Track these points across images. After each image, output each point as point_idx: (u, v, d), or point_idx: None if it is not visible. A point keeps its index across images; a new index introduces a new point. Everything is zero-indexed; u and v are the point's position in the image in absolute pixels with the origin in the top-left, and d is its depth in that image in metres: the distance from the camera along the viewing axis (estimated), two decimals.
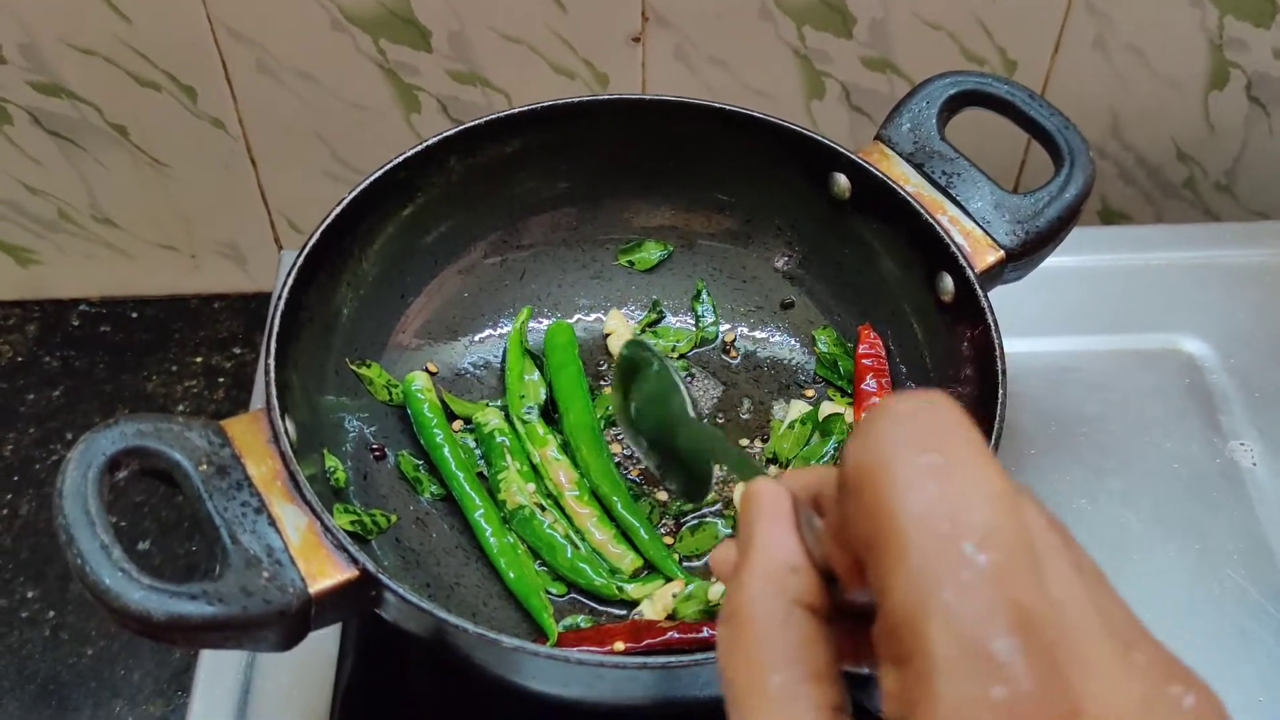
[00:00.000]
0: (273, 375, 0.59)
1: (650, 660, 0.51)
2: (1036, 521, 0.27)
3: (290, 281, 0.62)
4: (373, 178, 0.67)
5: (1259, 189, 1.02)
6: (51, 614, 0.87)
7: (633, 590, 0.66)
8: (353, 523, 0.65)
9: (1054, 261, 0.71)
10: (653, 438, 0.62)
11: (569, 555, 0.67)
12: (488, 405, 0.73)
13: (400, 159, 0.67)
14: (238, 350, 1.01)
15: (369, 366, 0.71)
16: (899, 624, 0.25)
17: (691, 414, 0.56)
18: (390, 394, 0.71)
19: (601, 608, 0.67)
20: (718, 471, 0.68)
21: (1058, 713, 0.23)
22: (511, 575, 0.66)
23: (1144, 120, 0.96)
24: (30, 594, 0.88)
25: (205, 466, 0.54)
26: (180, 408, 0.98)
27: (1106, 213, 1.04)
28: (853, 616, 0.30)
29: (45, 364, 1.00)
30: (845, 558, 0.28)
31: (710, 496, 0.69)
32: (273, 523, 0.53)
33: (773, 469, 0.72)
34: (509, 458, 0.70)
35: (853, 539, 0.27)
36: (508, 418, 0.72)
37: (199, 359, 1.01)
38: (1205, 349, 0.84)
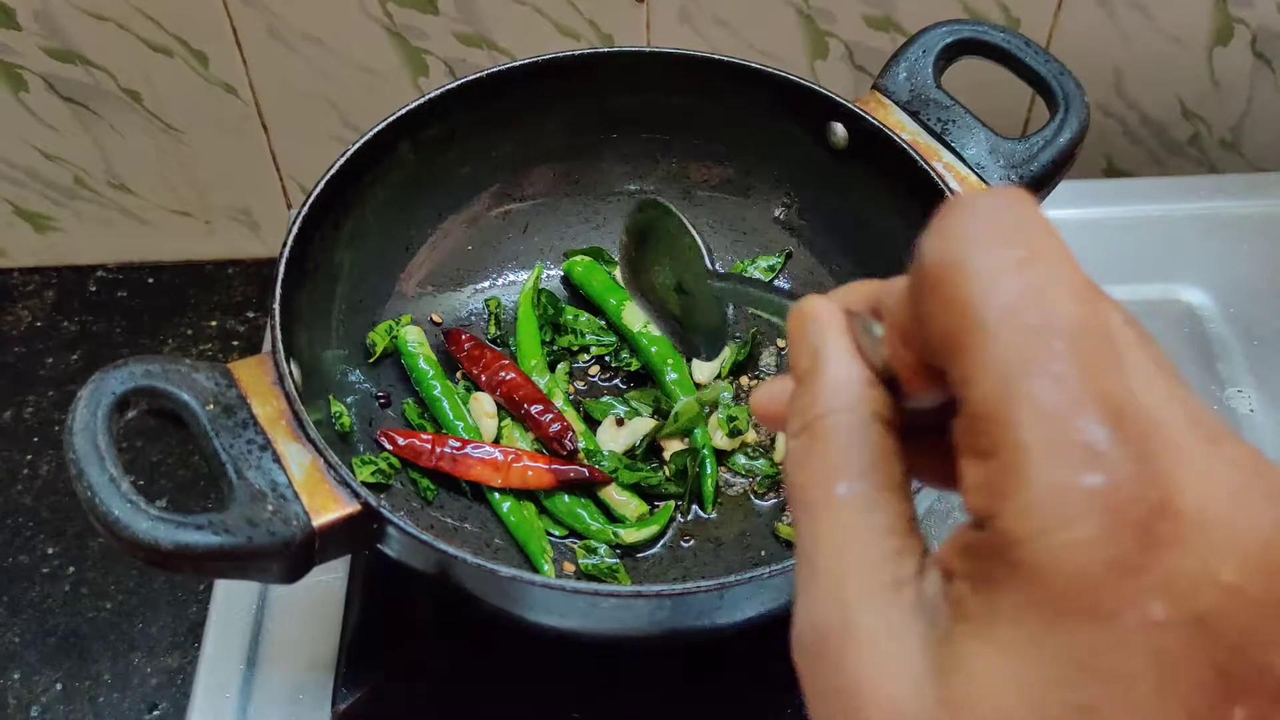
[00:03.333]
0: (278, 319, 0.60)
1: (644, 589, 0.52)
2: (1115, 318, 0.27)
3: (295, 231, 0.63)
4: (376, 130, 0.67)
5: (1265, 145, 1.01)
6: (71, 570, 0.89)
7: (626, 535, 0.67)
8: (374, 473, 0.66)
9: (1055, 213, 0.71)
10: (669, 296, 0.58)
11: (566, 500, 0.68)
12: None
13: (403, 111, 0.68)
14: (251, 314, 1.03)
15: (374, 330, 0.72)
16: (985, 415, 0.24)
17: (711, 265, 0.53)
18: (391, 340, 0.72)
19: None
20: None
21: (1149, 501, 0.23)
22: (513, 520, 0.67)
23: (1148, 77, 0.96)
24: (50, 550, 0.90)
25: (212, 406, 0.55)
26: None
27: (1111, 171, 1.03)
28: (913, 430, 0.29)
29: (64, 329, 1.02)
30: (911, 360, 0.28)
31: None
32: (277, 460, 0.54)
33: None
34: None
35: (929, 336, 0.26)
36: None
37: (213, 323, 1.02)
38: (1205, 298, 0.84)
